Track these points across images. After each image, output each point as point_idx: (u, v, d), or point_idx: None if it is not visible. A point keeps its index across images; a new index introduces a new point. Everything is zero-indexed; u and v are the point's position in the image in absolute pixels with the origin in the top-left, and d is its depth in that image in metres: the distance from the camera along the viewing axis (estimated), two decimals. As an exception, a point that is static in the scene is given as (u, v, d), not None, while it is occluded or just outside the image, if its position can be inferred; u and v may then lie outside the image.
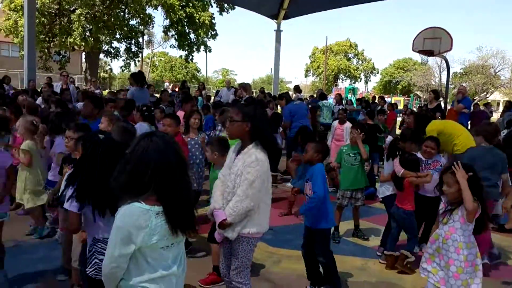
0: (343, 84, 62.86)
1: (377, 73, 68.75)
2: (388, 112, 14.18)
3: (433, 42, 14.31)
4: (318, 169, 4.08)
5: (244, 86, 12.00)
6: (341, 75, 66.25)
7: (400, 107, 22.87)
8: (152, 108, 6.73)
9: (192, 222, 2.21)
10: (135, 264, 2.10)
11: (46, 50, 26.45)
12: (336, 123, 8.89)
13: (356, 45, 67.72)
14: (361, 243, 5.83)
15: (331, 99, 18.74)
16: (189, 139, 5.53)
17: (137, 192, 2.06)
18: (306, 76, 69.81)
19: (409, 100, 40.52)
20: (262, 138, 3.23)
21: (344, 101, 17.20)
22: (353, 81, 64.78)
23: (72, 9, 25.49)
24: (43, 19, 24.23)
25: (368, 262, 5.22)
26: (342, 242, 5.78)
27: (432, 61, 44.43)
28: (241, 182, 3.16)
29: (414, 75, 50.74)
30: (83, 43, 25.80)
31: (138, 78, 8.70)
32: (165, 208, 2.06)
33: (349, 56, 67.71)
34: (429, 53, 14.90)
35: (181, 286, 2.30)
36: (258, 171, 3.14)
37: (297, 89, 15.57)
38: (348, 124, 8.31)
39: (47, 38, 25.77)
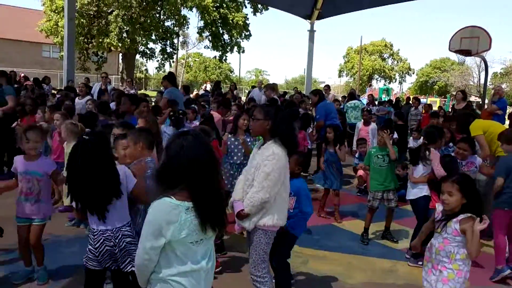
0: (378, 84, 62.00)
1: (413, 73, 67.49)
2: (424, 113, 13.90)
3: (471, 41, 13.97)
4: (302, 187, 4.01)
5: (272, 87, 12.09)
6: (375, 75, 65.35)
7: (435, 108, 22.37)
8: (181, 111, 6.85)
9: (222, 219, 2.27)
10: (165, 258, 2.18)
11: (84, 51, 27.27)
12: (360, 124, 8.79)
13: (391, 45, 66.63)
14: (390, 245, 5.77)
15: (364, 100, 18.55)
16: (232, 139, 5.62)
17: (167, 186, 2.16)
18: (339, 76, 69.32)
19: (445, 101, 39.54)
20: (282, 135, 3.42)
21: (376, 102, 17.00)
22: (387, 81, 63.80)
23: (109, 11, 26.15)
24: (82, 20, 24.96)
25: (396, 264, 5.17)
26: (371, 244, 5.75)
27: (471, 61, 43.29)
28: (258, 174, 3.33)
29: (451, 76, 49.57)
30: (120, 44, 26.45)
31: (171, 79, 8.96)
32: (195, 204, 2.14)
33: (384, 56, 66.69)
34: (467, 52, 14.56)
35: (210, 280, 2.35)
36: (274, 164, 3.31)
37: (327, 89, 15.44)
38: (373, 125, 8.23)
39: (85, 39, 26.56)
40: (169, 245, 2.14)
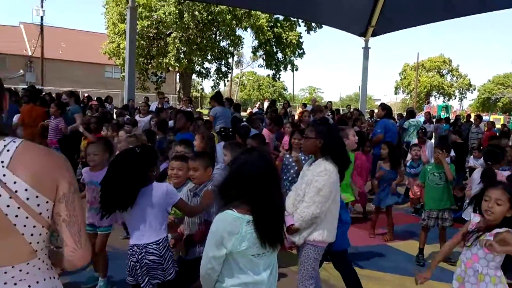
0: (436, 101, 60.06)
1: (474, 89, 64.90)
2: (486, 131, 13.32)
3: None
4: None
5: (320, 109, 12.19)
6: (433, 92, 63.44)
7: (498, 126, 21.35)
8: (230, 128, 7.04)
9: (280, 236, 2.32)
10: (228, 268, 2.27)
11: (144, 71, 28.44)
12: (415, 141, 8.58)
13: (450, 61, 64.58)
14: (447, 267, 5.54)
15: (421, 117, 18.06)
16: (287, 155, 5.71)
17: (229, 199, 2.27)
18: (396, 93, 67.86)
19: (510, 118, 37.66)
20: (333, 153, 3.46)
21: (434, 120, 16.51)
22: (446, 98, 61.69)
23: (168, 32, 27.20)
24: (142, 42, 26.11)
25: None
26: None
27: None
28: (309, 190, 3.38)
29: (516, 92, 47.18)
30: (177, 64, 27.38)
31: (218, 98, 9.32)
32: (255, 217, 2.21)
33: (443, 72, 64.70)
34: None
35: None
36: (325, 180, 3.36)
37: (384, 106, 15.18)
38: (429, 143, 8.02)
39: (145, 60, 27.72)
40: (231, 256, 2.22)
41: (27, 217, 1.47)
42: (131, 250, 3.23)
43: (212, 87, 33.94)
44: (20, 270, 1.50)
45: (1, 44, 34.39)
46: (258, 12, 27.80)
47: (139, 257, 3.17)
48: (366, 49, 18.64)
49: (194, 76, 32.83)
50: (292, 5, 15.71)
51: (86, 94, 18.38)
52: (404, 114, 16.27)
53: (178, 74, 33.84)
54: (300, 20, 30.53)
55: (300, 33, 32.55)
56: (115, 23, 26.41)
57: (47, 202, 1.51)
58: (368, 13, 16.81)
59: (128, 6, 14.12)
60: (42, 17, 32.68)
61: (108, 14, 27.59)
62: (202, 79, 34.57)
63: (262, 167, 2.28)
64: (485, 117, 31.12)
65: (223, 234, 2.19)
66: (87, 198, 4.34)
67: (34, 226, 1.49)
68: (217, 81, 32.04)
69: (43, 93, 13.95)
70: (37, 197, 1.48)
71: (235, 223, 2.19)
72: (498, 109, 58.30)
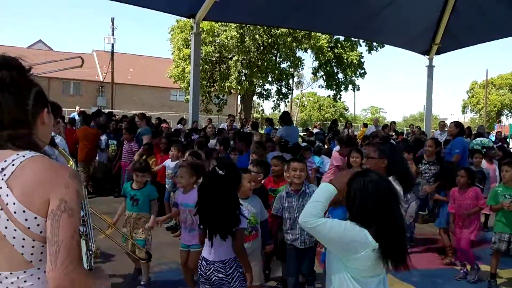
0: (508, 120, 56.92)
1: (550, 107, 60.92)
2: None
3: None
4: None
5: (376, 134, 12.21)
6: (505, 110, 60.21)
7: None
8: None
9: (403, 257, 2.30)
10: (339, 282, 2.31)
11: (207, 94, 29.28)
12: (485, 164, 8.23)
13: (523, 77, 61.23)
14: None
15: (492, 137, 17.25)
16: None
17: (362, 224, 2.25)
18: (463, 112, 65.08)
19: None
20: (398, 173, 3.45)
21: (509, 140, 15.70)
22: (519, 117, 58.34)
23: (230, 56, 27.94)
24: (205, 66, 26.95)
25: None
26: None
27: None
28: None
29: None
30: (239, 87, 27.96)
31: (285, 118, 9.68)
32: (381, 243, 2.21)
33: (515, 90, 61.39)
34: None
35: None
36: None
37: (443, 125, 14.66)
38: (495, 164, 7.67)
39: (208, 83, 28.55)
40: (346, 267, 2.27)
41: (15, 230, 1.48)
42: (202, 264, 3.47)
43: (272, 108, 34.26)
44: (18, 277, 1.52)
45: (77, 71, 36.75)
46: (318, 34, 27.92)
47: (207, 274, 3.39)
48: (430, 67, 18.15)
49: (254, 97, 33.32)
50: (352, 25, 15.67)
51: (157, 116, 19.16)
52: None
53: (239, 96, 34.50)
54: (361, 40, 30.31)
55: (361, 53, 32.23)
56: (180, 48, 27.48)
57: (35, 217, 1.49)
58: (432, 30, 16.42)
59: (192, 32, 14.66)
60: (112, 45, 34.92)
61: (173, 41, 28.81)
62: (262, 100, 35.02)
63: (381, 188, 2.29)
64: None
65: (349, 242, 2.22)
66: (181, 218, 4.66)
67: (23, 239, 1.49)
68: (278, 102, 32.29)
69: (114, 116, 14.75)
70: (24, 211, 1.47)
71: (363, 243, 2.20)
72: None
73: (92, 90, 41.02)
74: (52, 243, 1.47)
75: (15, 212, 1.47)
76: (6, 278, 1.52)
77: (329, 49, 30.60)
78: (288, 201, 4.30)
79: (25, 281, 1.53)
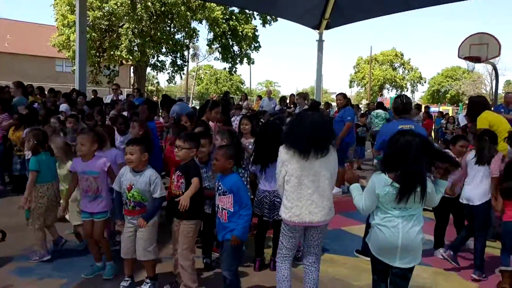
0: (389, 94, 61.78)
1: (425, 82, 67.18)
2: (424, 120, 14.38)
3: (480, 48, 13.91)
4: (239, 180, 3.82)
5: (304, 96, 12.71)
6: (386, 85, 65.17)
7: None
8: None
9: (424, 192, 3.07)
10: (375, 211, 3.22)
11: (96, 65, 27.59)
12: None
13: (402, 54, 66.53)
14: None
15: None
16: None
17: (387, 169, 3.14)
18: (350, 86, 69.22)
19: (457, 109, 39.28)
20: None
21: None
22: (399, 90, 63.55)
23: (120, 24, 26.50)
24: (93, 34, 25.30)
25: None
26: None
27: (483, 69, 42.98)
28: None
29: (463, 84, 49.22)
30: (130, 57, 26.71)
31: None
32: (400, 182, 3.03)
33: (395, 66, 66.56)
34: (476, 59, 14.46)
35: (408, 238, 3.08)
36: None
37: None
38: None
39: (97, 53, 26.89)
40: (379, 201, 3.14)
41: None
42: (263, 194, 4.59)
43: (167, 81, 33.43)
44: None
45: None
46: (213, 4, 27.53)
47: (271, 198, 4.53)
48: (320, 41, 18.85)
49: (148, 69, 32.19)
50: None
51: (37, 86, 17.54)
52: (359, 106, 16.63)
53: (132, 68, 33.07)
54: (255, 13, 30.50)
55: (256, 26, 32.48)
56: (65, 14, 25.43)
57: None
58: (322, 5, 16.99)
59: (77, -6, 13.58)
60: (-15, 8, 31.13)
61: (57, 6, 26.52)
62: (157, 73, 33.99)
63: (412, 145, 3.04)
64: (435, 109, 32.35)
65: (374, 186, 3.14)
66: (82, 187, 4.41)
67: None
68: (173, 74, 31.51)
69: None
70: None
71: (382, 182, 3.11)
72: (446, 100, 60.57)
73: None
74: None
75: None
76: None
77: (224, 21, 30.39)
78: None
79: None
